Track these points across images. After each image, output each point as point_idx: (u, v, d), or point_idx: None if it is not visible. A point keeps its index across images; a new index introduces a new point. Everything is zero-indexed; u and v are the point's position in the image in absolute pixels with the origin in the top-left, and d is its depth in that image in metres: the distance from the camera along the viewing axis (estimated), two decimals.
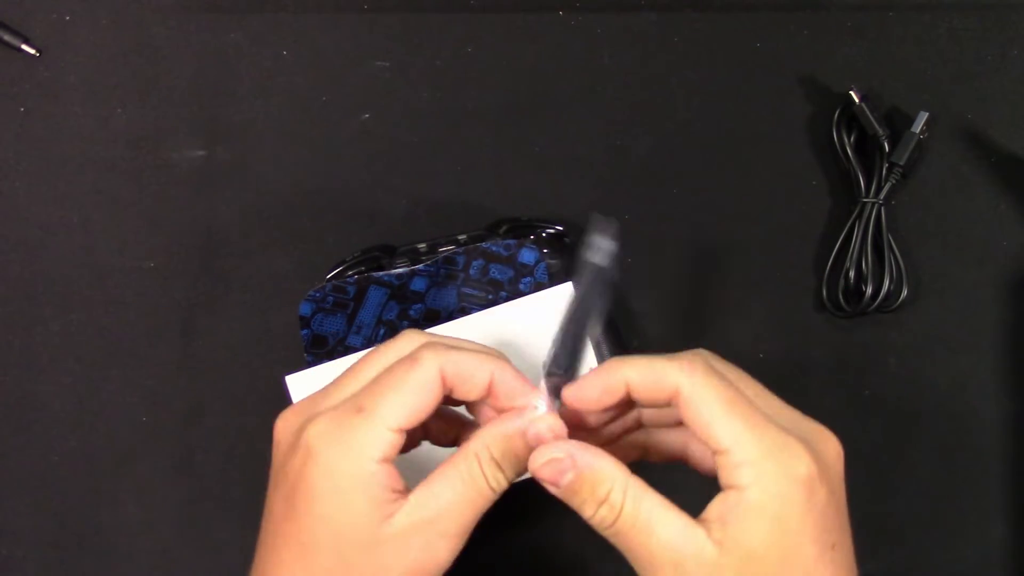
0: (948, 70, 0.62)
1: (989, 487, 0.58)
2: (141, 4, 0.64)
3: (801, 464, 0.38)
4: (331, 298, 0.57)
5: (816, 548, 0.38)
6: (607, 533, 0.39)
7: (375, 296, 0.57)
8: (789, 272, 0.61)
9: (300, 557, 0.39)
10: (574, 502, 0.40)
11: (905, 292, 0.59)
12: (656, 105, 0.63)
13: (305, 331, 0.57)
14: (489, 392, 0.41)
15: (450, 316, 0.57)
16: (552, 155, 0.62)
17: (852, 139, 0.61)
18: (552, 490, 0.40)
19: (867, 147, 0.61)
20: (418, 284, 0.57)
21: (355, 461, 0.38)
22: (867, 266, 0.59)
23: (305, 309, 0.57)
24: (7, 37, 0.63)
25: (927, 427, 0.59)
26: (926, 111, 0.60)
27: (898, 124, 0.61)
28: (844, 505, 0.40)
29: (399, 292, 0.57)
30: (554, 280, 0.57)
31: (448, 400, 0.42)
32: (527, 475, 0.42)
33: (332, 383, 0.42)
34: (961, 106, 0.62)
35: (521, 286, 0.57)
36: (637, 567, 0.39)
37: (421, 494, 0.39)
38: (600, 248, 0.42)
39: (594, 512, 0.39)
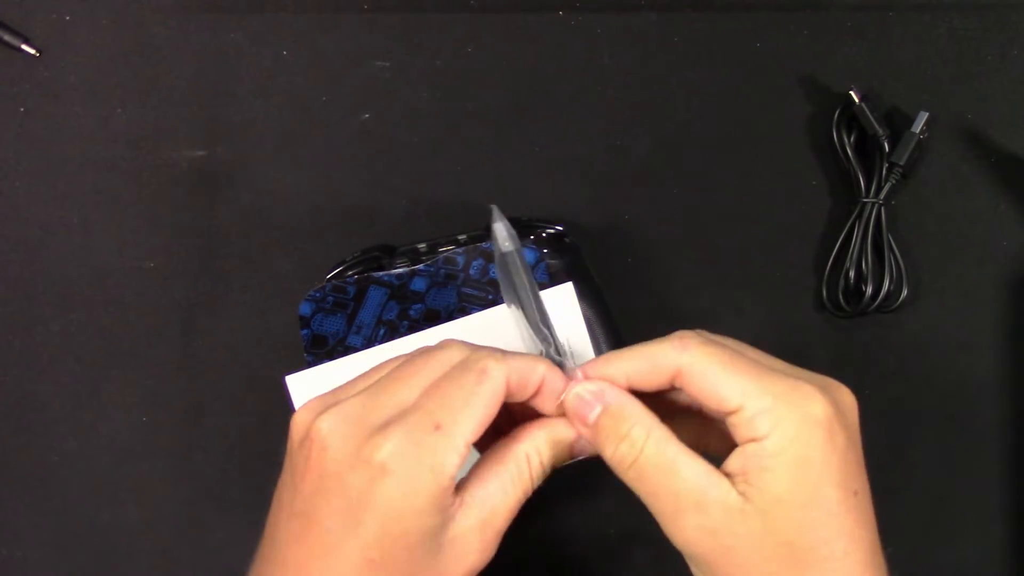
0: (948, 70, 0.62)
1: (989, 487, 0.58)
2: (141, 4, 0.64)
3: (816, 405, 0.37)
4: (331, 298, 0.57)
5: (839, 492, 0.37)
6: (629, 474, 0.39)
7: (375, 296, 0.57)
8: (789, 272, 0.61)
9: (367, 572, 0.38)
10: (598, 440, 0.40)
11: (905, 292, 0.59)
12: (656, 105, 0.63)
13: (305, 331, 0.57)
14: (537, 392, 0.42)
15: (450, 316, 0.57)
16: (552, 155, 0.62)
17: (852, 139, 0.61)
18: (581, 430, 0.40)
19: (867, 147, 0.61)
20: (418, 284, 0.57)
21: (436, 480, 0.38)
22: (867, 266, 0.59)
23: (305, 309, 0.57)
24: (7, 37, 0.63)
25: (927, 427, 0.59)
26: (926, 111, 0.60)
27: (898, 124, 0.61)
28: (862, 454, 0.39)
29: (399, 292, 0.57)
30: (554, 280, 0.57)
31: None
32: None
33: (374, 386, 0.40)
34: (961, 106, 0.62)
35: None
36: (658, 510, 0.39)
37: (476, 495, 0.39)
38: (506, 234, 0.45)
39: (615, 448, 0.39)
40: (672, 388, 0.40)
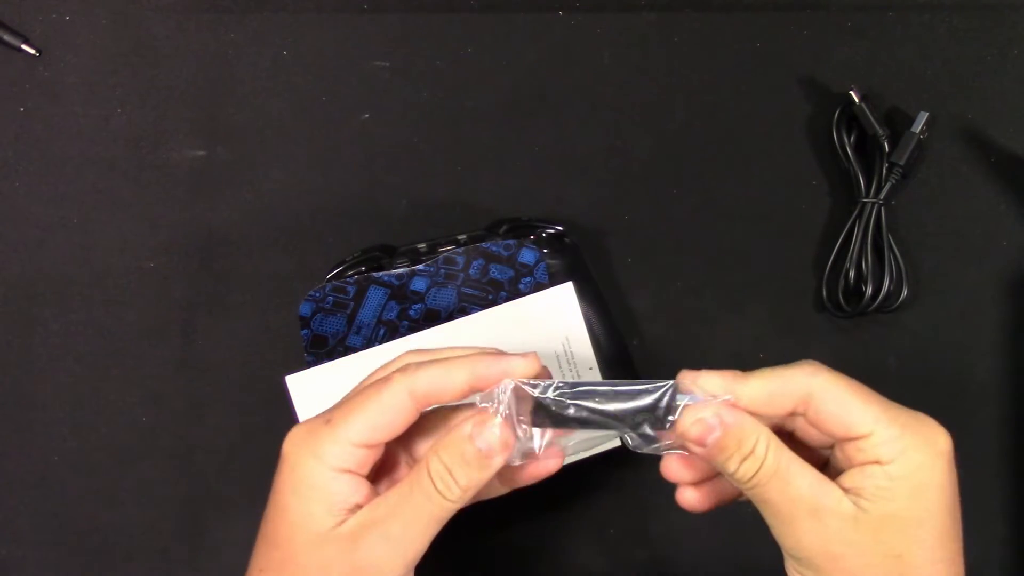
0: (948, 70, 0.62)
1: (989, 487, 0.58)
2: (141, 4, 0.64)
3: (942, 438, 0.40)
4: (331, 298, 0.57)
5: (951, 520, 0.40)
6: (747, 486, 0.40)
7: (375, 296, 0.57)
8: (789, 272, 0.61)
9: (264, 550, 0.43)
10: (719, 459, 0.40)
11: (905, 292, 0.59)
12: (656, 105, 0.63)
13: (305, 331, 0.57)
14: (480, 388, 0.42)
15: (450, 316, 0.57)
16: (552, 155, 0.62)
17: (852, 139, 0.61)
18: (696, 450, 0.41)
19: (867, 147, 0.61)
20: (418, 284, 0.57)
21: (316, 467, 0.41)
22: (867, 266, 0.59)
23: (305, 309, 0.57)
24: (7, 37, 0.63)
25: None
26: (926, 111, 0.60)
27: (898, 124, 0.61)
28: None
29: (399, 292, 0.57)
30: (554, 280, 0.57)
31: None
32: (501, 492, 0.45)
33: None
34: (961, 106, 0.62)
35: (521, 286, 0.57)
36: (774, 518, 0.40)
37: (374, 501, 0.42)
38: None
39: (738, 466, 0.40)
40: (790, 415, 0.41)
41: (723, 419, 0.40)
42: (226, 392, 0.60)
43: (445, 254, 0.57)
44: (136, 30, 0.64)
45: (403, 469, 0.46)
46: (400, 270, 0.57)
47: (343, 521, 0.41)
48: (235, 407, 0.60)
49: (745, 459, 0.40)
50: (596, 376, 0.56)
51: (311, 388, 0.56)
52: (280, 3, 0.64)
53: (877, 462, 0.39)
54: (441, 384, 0.42)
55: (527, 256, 0.57)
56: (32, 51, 0.63)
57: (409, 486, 0.42)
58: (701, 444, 0.40)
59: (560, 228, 0.59)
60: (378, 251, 0.58)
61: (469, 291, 0.57)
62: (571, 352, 0.56)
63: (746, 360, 0.60)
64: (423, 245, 0.58)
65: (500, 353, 0.42)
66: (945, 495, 0.40)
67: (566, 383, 0.41)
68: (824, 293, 0.60)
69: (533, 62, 0.63)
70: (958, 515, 0.41)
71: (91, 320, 0.61)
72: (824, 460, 0.43)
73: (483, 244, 0.57)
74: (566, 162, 0.62)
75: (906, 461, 0.39)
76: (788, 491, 0.40)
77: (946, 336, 0.60)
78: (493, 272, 0.57)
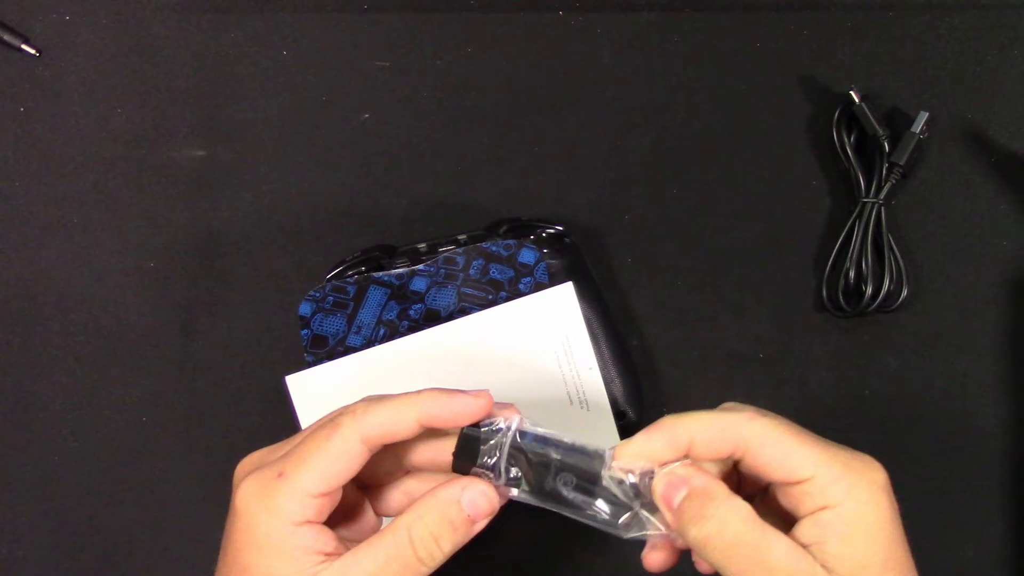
0: (948, 70, 0.62)
1: (989, 487, 0.58)
2: (141, 4, 0.64)
3: (879, 472, 0.40)
4: (331, 298, 0.57)
5: (904, 551, 0.40)
6: (715, 555, 0.39)
7: (375, 296, 0.57)
8: (789, 272, 0.61)
9: None
10: (683, 520, 0.40)
11: (905, 292, 0.59)
12: (656, 105, 0.63)
13: (305, 331, 0.57)
14: (432, 428, 0.42)
15: (450, 316, 0.57)
16: (552, 155, 0.62)
17: (852, 139, 0.61)
18: (666, 514, 0.40)
19: (867, 147, 0.61)
20: (418, 284, 0.57)
21: (273, 523, 0.40)
22: (867, 266, 0.59)
23: (305, 309, 0.57)
24: (7, 37, 0.63)
25: (927, 427, 0.59)
26: (926, 111, 0.60)
27: (898, 124, 0.61)
28: None
29: (399, 292, 0.57)
30: (554, 280, 0.57)
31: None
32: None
33: (285, 441, 0.44)
34: (961, 106, 0.62)
35: (521, 286, 0.57)
36: None
37: (347, 560, 0.40)
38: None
39: (700, 530, 0.39)
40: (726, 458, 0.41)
41: (690, 480, 0.40)
42: (226, 392, 0.60)
43: (445, 254, 0.57)
44: (136, 30, 0.64)
45: (356, 504, 0.45)
46: (400, 270, 0.57)
47: (311, 574, 0.40)
48: (235, 407, 0.60)
49: (708, 522, 0.39)
50: (596, 376, 0.56)
51: (311, 388, 0.56)
52: (280, 3, 0.64)
53: (826, 507, 0.39)
54: (392, 425, 0.41)
55: (527, 256, 0.57)
56: (32, 51, 0.63)
57: (386, 551, 0.40)
58: (669, 504, 0.40)
59: (560, 228, 0.59)
60: (378, 251, 0.58)
61: (469, 291, 0.57)
62: (571, 352, 0.56)
63: (746, 360, 0.60)
64: (423, 245, 0.58)
65: (453, 392, 0.42)
66: (897, 529, 0.40)
67: (528, 432, 0.41)
68: (824, 293, 0.60)
69: (533, 62, 0.63)
70: (907, 546, 0.41)
71: (91, 320, 0.61)
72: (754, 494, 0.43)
73: (483, 244, 0.57)
74: (566, 162, 0.62)
75: (855, 501, 0.39)
76: (765, 561, 0.39)
77: (946, 336, 0.60)
78: (493, 272, 0.57)
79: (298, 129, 0.63)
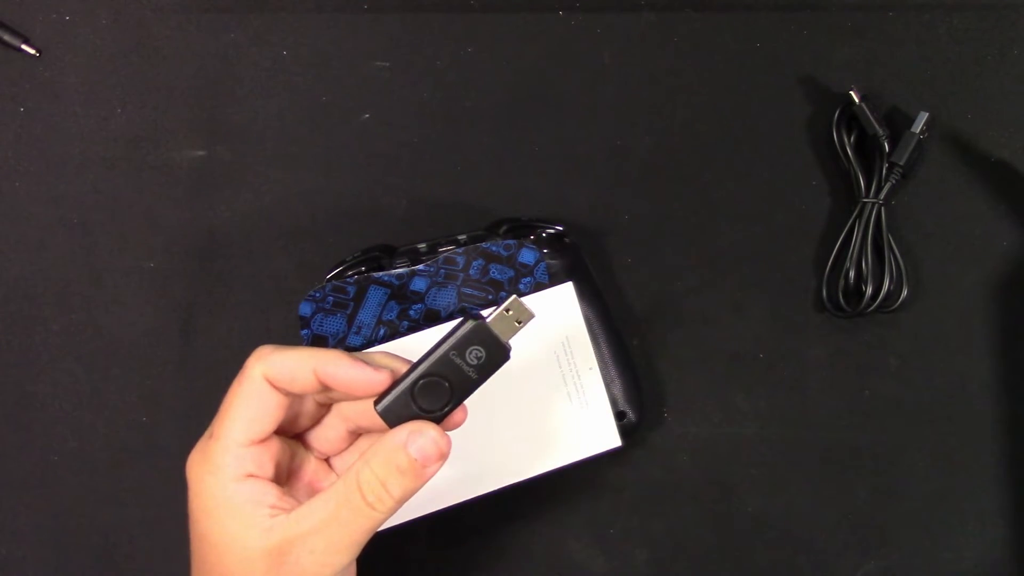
0: (948, 70, 0.62)
1: (989, 487, 0.58)
2: (141, 4, 0.64)
3: None
4: (331, 298, 0.57)
5: None
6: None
7: (375, 296, 0.57)
8: (789, 272, 0.61)
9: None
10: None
11: (905, 292, 0.59)
12: (656, 105, 0.63)
13: (305, 331, 0.57)
14: (330, 387, 0.42)
15: (450, 316, 0.57)
16: (552, 155, 0.62)
17: (852, 139, 0.61)
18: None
19: (867, 147, 0.61)
20: (418, 284, 0.57)
21: (216, 483, 0.41)
22: (867, 266, 0.59)
23: (305, 309, 0.57)
24: (7, 37, 0.63)
25: (927, 427, 0.59)
26: (926, 111, 0.60)
27: (898, 124, 0.61)
28: None
29: (399, 292, 0.57)
30: (554, 280, 0.57)
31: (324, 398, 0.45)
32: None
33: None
34: (961, 106, 0.62)
35: (521, 286, 0.57)
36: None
37: (300, 511, 0.41)
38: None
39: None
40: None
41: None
42: (226, 392, 0.60)
43: (445, 254, 0.57)
44: (136, 30, 0.64)
45: (312, 470, 0.46)
46: (400, 270, 0.57)
47: (267, 531, 0.40)
48: None
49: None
50: (596, 376, 0.56)
51: None
52: (280, 3, 0.64)
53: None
54: (291, 372, 0.41)
55: (527, 256, 0.57)
56: (32, 51, 0.63)
57: (336, 497, 0.41)
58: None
59: (560, 228, 0.59)
60: (378, 251, 0.58)
61: (469, 291, 0.57)
62: (571, 352, 0.56)
63: (746, 360, 0.60)
64: (423, 245, 0.58)
65: (355, 360, 0.42)
66: None
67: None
68: (824, 293, 0.60)
69: (533, 62, 0.63)
70: None
71: (91, 320, 0.61)
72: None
73: (483, 244, 0.57)
74: (566, 162, 0.62)
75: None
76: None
77: (946, 336, 0.60)
78: (493, 272, 0.57)
79: (298, 129, 0.63)
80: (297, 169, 0.62)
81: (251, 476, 0.41)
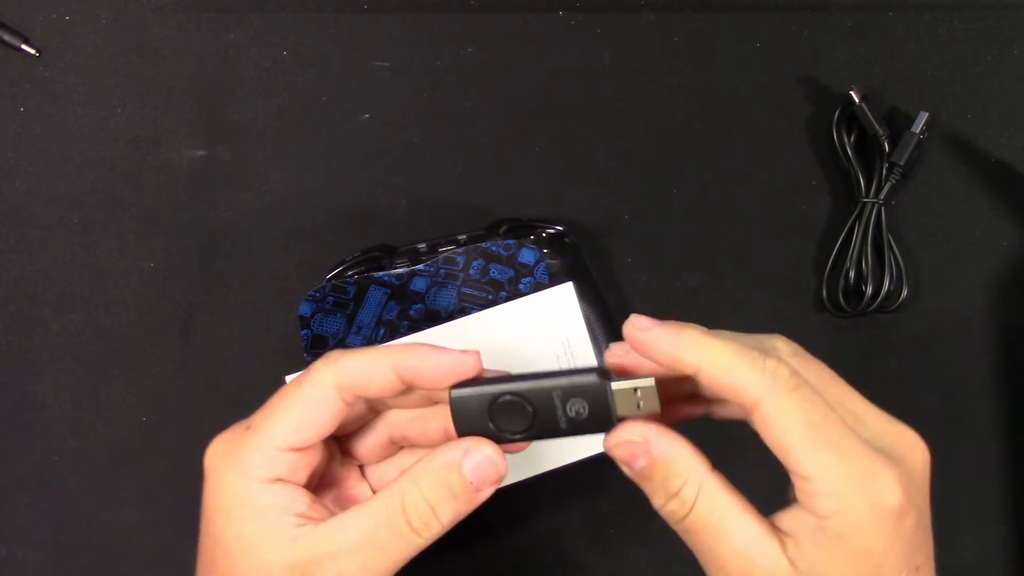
0: (948, 70, 0.62)
1: (989, 487, 0.58)
2: (141, 4, 0.64)
3: (891, 495, 0.34)
4: (331, 298, 0.57)
5: (898, 574, 0.35)
6: (676, 527, 0.36)
7: (375, 296, 0.57)
8: (789, 272, 0.61)
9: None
10: (645, 488, 0.36)
11: (905, 292, 0.59)
12: (656, 105, 0.63)
13: (305, 331, 0.57)
14: (413, 383, 0.37)
15: (450, 316, 0.57)
16: (552, 155, 0.62)
17: (852, 139, 0.61)
18: (624, 470, 0.36)
19: (867, 147, 0.61)
20: (418, 284, 0.57)
21: (241, 481, 0.36)
22: (867, 266, 0.59)
23: (305, 309, 0.57)
24: (7, 37, 0.63)
25: (927, 427, 0.59)
26: (926, 111, 0.60)
27: (898, 124, 0.61)
28: (928, 519, 0.37)
29: (399, 292, 0.57)
30: (554, 280, 0.57)
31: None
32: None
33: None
34: (961, 106, 0.62)
35: (521, 286, 0.57)
36: (705, 564, 0.36)
37: (331, 525, 0.36)
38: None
39: (664, 503, 0.36)
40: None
41: (651, 448, 0.35)
42: (226, 392, 0.60)
43: (445, 254, 0.57)
44: (136, 30, 0.64)
45: (343, 476, 0.42)
46: (400, 270, 0.57)
47: (292, 542, 0.36)
48: (235, 407, 0.60)
49: (671, 499, 0.35)
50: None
51: None
52: (280, 3, 0.64)
53: (814, 512, 0.34)
54: (368, 373, 0.36)
55: (527, 256, 0.57)
56: (32, 51, 0.63)
57: (375, 517, 0.36)
58: (628, 467, 0.36)
59: (560, 228, 0.59)
60: (378, 251, 0.58)
61: (469, 291, 0.57)
62: (571, 352, 0.56)
63: None
64: (423, 245, 0.58)
65: (439, 347, 0.37)
66: (893, 554, 0.34)
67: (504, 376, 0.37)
68: (824, 293, 0.60)
69: (533, 62, 0.63)
70: (919, 559, 0.36)
71: (91, 320, 0.61)
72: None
73: (483, 244, 0.57)
74: (566, 162, 0.62)
75: (843, 522, 0.34)
76: (720, 548, 0.35)
77: (946, 336, 0.60)
78: (493, 272, 0.57)
79: (298, 129, 0.63)
80: (297, 169, 0.62)
81: (281, 480, 0.37)
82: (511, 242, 0.57)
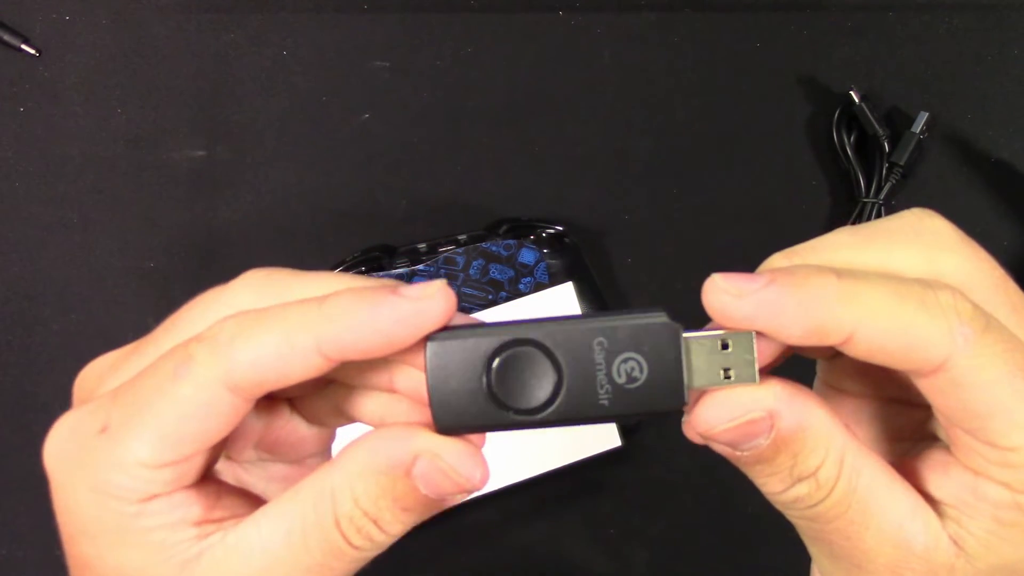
0: (948, 70, 0.62)
1: None
2: (141, 4, 0.64)
3: None
4: None
5: None
6: (797, 515, 0.26)
7: None
8: None
9: None
10: (756, 471, 0.26)
11: None
12: (656, 105, 0.63)
13: None
14: (353, 360, 0.25)
15: None
16: (552, 155, 0.62)
17: (852, 139, 0.61)
18: (721, 451, 0.26)
19: (867, 147, 0.61)
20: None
21: (100, 502, 0.25)
22: None
23: None
24: (7, 37, 0.63)
25: None
26: (926, 111, 0.60)
27: (898, 124, 0.61)
28: None
29: None
30: (554, 280, 0.57)
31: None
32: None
33: (142, 343, 0.30)
34: (961, 106, 0.62)
35: (521, 286, 0.57)
36: (832, 560, 0.27)
37: (243, 536, 0.25)
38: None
39: (787, 488, 0.25)
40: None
41: (778, 419, 0.25)
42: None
43: (445, 254, 0.57)
44: (136, 30, 0.64)
45: (263, 414, 0.29)
46: (400, 270, 0.57)
47: (192, 562, 0.25)
48: None
49: (801, 482, 0.25)
50: None
51: None
52: (280, 3, 0.64)
53: (1008, 484, 0.24)
54: (276, 364, 0.25)
55: (527, 256, 0.57)
56: (32, 51, 0.63)
57: (300, 525, 0.25)
58: (735, 448, 0.26)
59: (560, 228, 0.59)
60: (378, 251, 0.58)
61: (469, 291, 0.57)
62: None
63: None
64: (423, 245, 0.58)
65: (377, 291, 0.25)
66: None
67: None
68: None
69: (533, 62, 0.63)
70: None
71: (91, 320, 0.61)
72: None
73: (483, 244, 0.57)
74: (566, 162, 0.62)
75: None
76: (862, 536, 0.25)
77: None
78: (493, 272, 0.57)
79: (298, 129, 0.63)
80: (297, 169, 0.62)
81: (157, 496, 0.25)
82: (511, 242, 0.57)
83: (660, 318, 0.26)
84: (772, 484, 0.26)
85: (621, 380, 0.24)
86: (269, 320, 0.25)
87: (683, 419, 0.26)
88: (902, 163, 0.59)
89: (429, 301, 0.25)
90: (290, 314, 0.25)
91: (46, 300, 0.61)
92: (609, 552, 0.59)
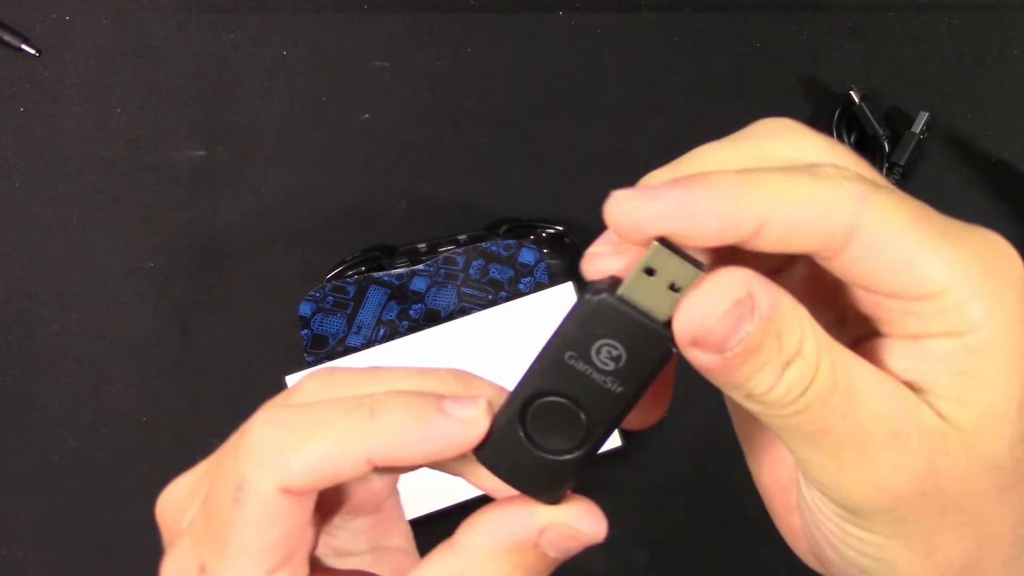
0: (948, 70, 0.62)
1: None
2: (141, 4, 0.64)
3: (1016, 265, 0.25)
4: (331, 298, 0.57)
5: None
6: (791, 411, 0.24)
7: (375, 296, 0.57)
8: None
9: None
10: (744, 371, 0.24)
11: None
12: (656, 105, 0.63)
13: (305, 331, 0.57)
14: (396, 468, 0.27)
15: (450, 316, 0.57)
16: (552, 155, 0.62)
17: (852, 139, 0.61)
18: (702, 362, 0.24)
19: (867, 147, 0.61)
20: (418, 284, 0.57)
21: None
22: None
23: (305, 309, 0.57)
24: (7, 37, 0.63)
25: None
26: (926, 111, 0.60)
27: (898, 124, 0.61)
28: None
29: (399, 292, 0.57)
30: (554, 280, 0.57)
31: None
32: None
33: (211, 461, 0.31)
34: (961, 106, 0.62)
35: (521, 286, 0.57)
36: (824, 454, 0.25)
37: None
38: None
39: (777, 378, 0.24)
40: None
41: (757, 298, 0.24)
42: (226, 392, 0.60)
43: (445, 254, 0.57)
44: (136, 30, 0.64)
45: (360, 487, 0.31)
46: (400, 270, 0.57)
47: None
48: (235, 407, 0.60)
49: (790, 364, 0.24)
50: None
51: None
52: (280, 3, 0.64)
53: (951, 333, 0.24)
54: (333, 471, 0.26)
55: (527, 256, 0.57)
56: (32, 51, 0.63)
57: None
58: (720, 349, 0.24)
59: (560, 228, 0.59)
60: (378, 251, 0.58)
61: (469, 291, 0.57)
62: None
63: None
64: (423, 245, 0.58)
65: (429, 402, 0.26)
66: None
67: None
68: None
69: (533, 62, 0.63)
70: None
71: (91, 320, 0.61)
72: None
73: (483, 244, 0.57)
74: (566, 162, 0.62)
75: (994, 324, 0.24)
76: (856, 413, 0.24)
77: None
78: (493, 272, 0.57)
79: (298, 129, 0.63)
80: (297, 169, 0.62)
81: None
82: (511, 242, 0.57)
83: (584, 298, 0.26)
84: (764, 379, 0.24)
85: (611, 366, 0.26)
86: (320, 429, 0.26)
87: (675, 347, 0.25)
88: (902, 163, 0.59)
89: (474, 426, 0.26)
90: (341, 424, 0.26)
91: (46, 300, 0.61)
92: (609, 552, 0.59)
